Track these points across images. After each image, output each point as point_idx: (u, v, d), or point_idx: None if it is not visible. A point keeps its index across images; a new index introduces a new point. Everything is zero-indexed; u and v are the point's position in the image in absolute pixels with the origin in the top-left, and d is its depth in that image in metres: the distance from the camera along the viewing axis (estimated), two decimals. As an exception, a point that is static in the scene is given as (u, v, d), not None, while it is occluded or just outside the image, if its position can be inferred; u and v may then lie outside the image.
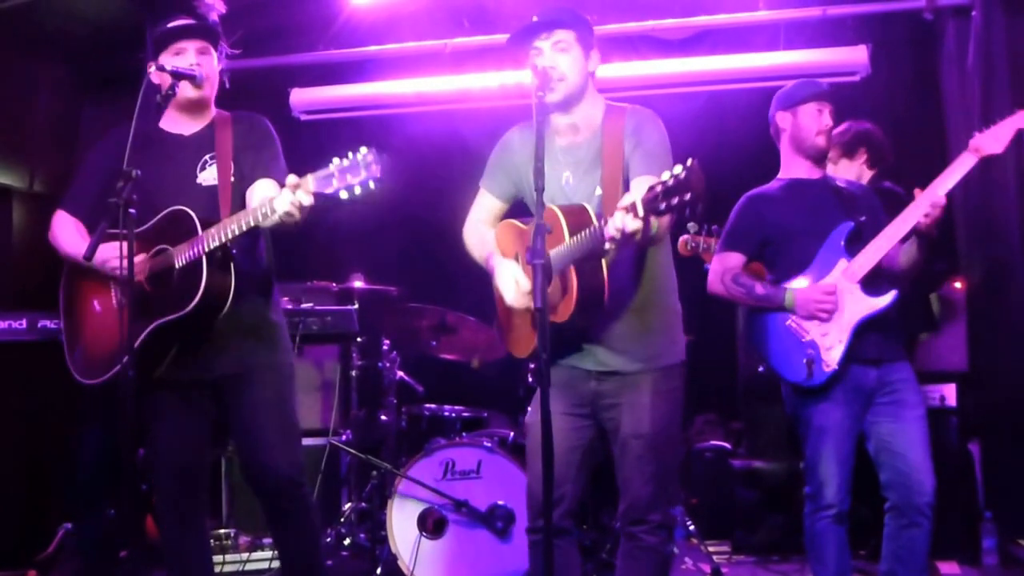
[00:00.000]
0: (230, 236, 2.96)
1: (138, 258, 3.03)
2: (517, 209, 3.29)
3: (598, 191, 3.02)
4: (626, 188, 2.99)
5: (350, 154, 2.75)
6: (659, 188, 2.49)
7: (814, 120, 3.53)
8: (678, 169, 2.48)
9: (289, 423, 3.27)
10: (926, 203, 3.25)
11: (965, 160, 3.30)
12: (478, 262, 3.24)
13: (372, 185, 2.73)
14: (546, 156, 3.03)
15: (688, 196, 2.46)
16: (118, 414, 4.41)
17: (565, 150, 3.10)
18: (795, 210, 3.49)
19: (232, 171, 3.23)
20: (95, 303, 3.26)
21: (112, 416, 4.57)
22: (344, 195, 2.76)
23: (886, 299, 3.36)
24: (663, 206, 2.49)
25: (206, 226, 3.04)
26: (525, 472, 4.21)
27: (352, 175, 2.73)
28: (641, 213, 2.55)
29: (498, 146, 3.27)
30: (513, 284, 2.98)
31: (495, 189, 3.26)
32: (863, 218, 3.44)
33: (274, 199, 2.87)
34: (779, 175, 3.63)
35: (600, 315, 2.94)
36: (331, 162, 2.78)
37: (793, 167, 3.60)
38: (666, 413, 3.04)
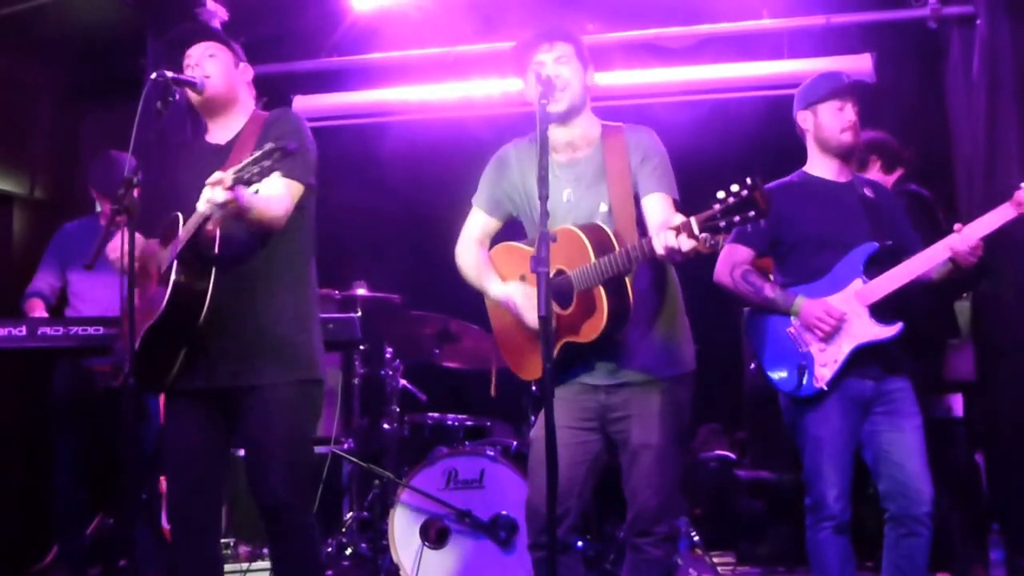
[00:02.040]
0: (188, 237, 2.92)
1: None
2: (508, 229, 3.24)
3: (603, 207, 3.00)
4: (636, 203, 2.98)
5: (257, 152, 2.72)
6: (717, 207, 2.50)
7: (835, 118, 3.46)
8: (736, 187, 2.48)
9: (297, 448, 3.15)
10: (961, 245, 3.23)
11: (1005, 211, 3.26)
12: (471, 283, 3.20)
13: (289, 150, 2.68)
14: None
15: (752, 214, 2.48)
16: (94, 423, 4.41)
17: (564, 166, 3.08)
18: (818, 215, 3.44)
19: None
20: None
21: (83, 426, 4.57)
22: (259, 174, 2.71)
23: (891, 331, 3.31)
24: (723, 224, 2.50)
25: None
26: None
27: (266, 160, 2.69)
28: (697, 231, 2.54)
29: (492, 163, 3.23)
30: (531, 304, 2.88)
31: (489, 207, 3.22)
32: (889, 242, 3.39)
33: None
34: (804, 168, 3.56)
35: (624, 331, 2.92)
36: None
37: (819, 165, 3.53)
38: (675, 423, 3.02)
